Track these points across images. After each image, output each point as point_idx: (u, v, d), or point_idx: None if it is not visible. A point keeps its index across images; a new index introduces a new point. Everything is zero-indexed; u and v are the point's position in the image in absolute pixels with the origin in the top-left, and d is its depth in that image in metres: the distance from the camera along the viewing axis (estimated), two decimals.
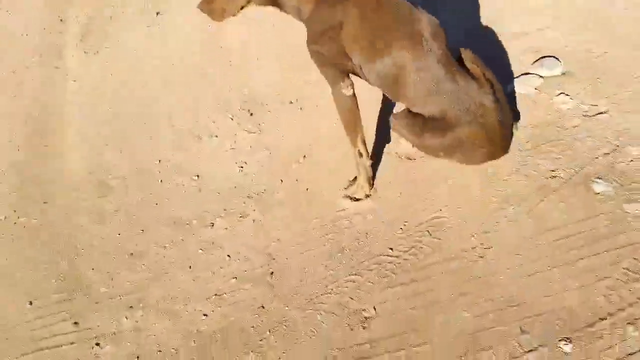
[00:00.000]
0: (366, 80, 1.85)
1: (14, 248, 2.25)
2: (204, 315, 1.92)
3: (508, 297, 1.69)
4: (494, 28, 2.33)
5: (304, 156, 2.23)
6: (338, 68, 1.80)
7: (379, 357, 1.69)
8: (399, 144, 2.10)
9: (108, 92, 2.73)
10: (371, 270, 1.88)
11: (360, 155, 1.92)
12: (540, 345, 1.60)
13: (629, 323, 1.53)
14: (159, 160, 2.41)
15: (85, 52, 2.90)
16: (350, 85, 1.83)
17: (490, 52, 2.13)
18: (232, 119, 2.44)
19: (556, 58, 2.24)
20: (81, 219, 2.29)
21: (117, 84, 2.73)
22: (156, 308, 1.97)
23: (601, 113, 2.00)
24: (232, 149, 2.36)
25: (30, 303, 2.10)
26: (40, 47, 2.95)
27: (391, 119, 1.86)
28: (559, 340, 1.59)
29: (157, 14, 2.91)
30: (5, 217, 2.37)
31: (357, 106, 1.89)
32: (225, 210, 2.17)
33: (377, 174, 2.06)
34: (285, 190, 2.14)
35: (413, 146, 1.91)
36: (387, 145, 2.14)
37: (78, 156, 2.54)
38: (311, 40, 1.80)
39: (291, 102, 2.43)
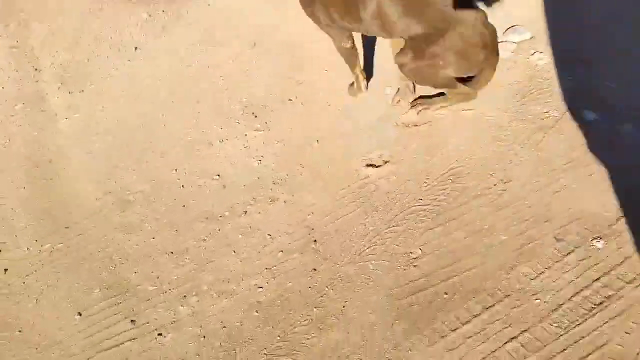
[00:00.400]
0: (365, 32, 2.09)
1: (46, 273, 2.25)
2: (260, 288, 1.99)
3: (538, 216, 1.89)
4: None
5: (317, 140, 2.40)
6: (334, 29, 2.04)
7: (434, 287, 1.83)
8: (405, 114, 2.32)
9: (104, 122, 2.78)
10: (407, 220, 2.04)
11: (357, 77, 2.32)
12: (575, 247, 1.79)
13: None
14: (175, 170, 2.50)
15: (70, 92, 2.97)
16: (348, 38, 2.19)
17: None
18: (238, 123, 2.59)
19: (524, 27, 2.56)
20: (109, 234, 2.31)
21: (112, 113, 2.80)
22: (210, 292, 2.02)
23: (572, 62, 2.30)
24: (246, 147, 2.49)
25: (80, 314, 2.09)
26: (21, 96, 2.99)
27: (395, 60, 2.07)
28: (591, 240, 1.78)
29: (136, 48, 3.05)
30: (28, 249, 2.37)
31: (355, 51, 2.30)
32: (254, 198, 2.28)
33: (390, 144, 2.25)
34: (307, 170, 2.29)
35: (418, 81, 2.16)
36: (401, 115, 2.34)
37: (89, 182, 2.56)
38: (304, 4, 2.10)
39: (290, 100, 2.61)
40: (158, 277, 2.12)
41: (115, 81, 2.89)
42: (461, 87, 2.10)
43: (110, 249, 2.28)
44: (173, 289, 2.07)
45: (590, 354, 1.59)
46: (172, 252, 2.19)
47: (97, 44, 3.09)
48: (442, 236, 1.94)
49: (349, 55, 2.31)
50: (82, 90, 2.94)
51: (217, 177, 2.41)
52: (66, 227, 2.45)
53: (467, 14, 1.85)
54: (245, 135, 2.53)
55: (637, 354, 1.56)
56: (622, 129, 2.04)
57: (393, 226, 2.02)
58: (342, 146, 2.32)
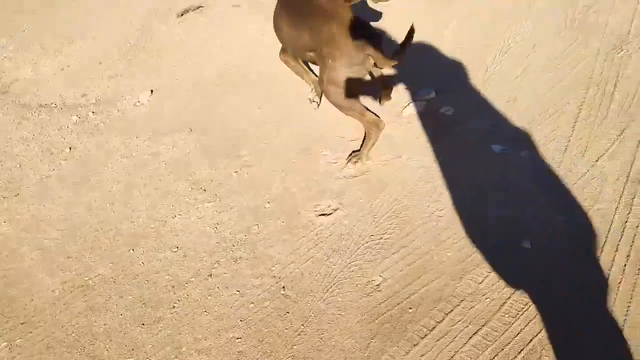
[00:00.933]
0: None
1: None
2: (238, 339, 2.09)
3: (473, 231, 2.22)
4: None
5: (268, 202, 2.64)
6: None
7: (400, 305, 2.05)
8: (344, 168, 2.65)
9: (48, 219, 2.82)
10: (365, 254, 2.28)
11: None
12: (508, 250, 2.11)
13: None
14: (132, 249, 2.60)
15: (4, 197, 3.00)
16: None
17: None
18: (188, 199, 2.77)
19: (430, 87, 3.06)
20: (73, 320, 2.30)
21: (55, 210, 2.85)
22: (190, 352, 2.09)
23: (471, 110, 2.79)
24: (200, 218, 2.66)
25: None
26: None
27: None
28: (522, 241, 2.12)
29: (70, 148, 3.21)
30: None
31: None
32: (217, 262, 2.43)
33: (336, 195, 2.56)
34: (264, 229, 2.50)
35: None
36: (341, 170, 2.65)
37: (43, 276, 2.55)
38: None
39: (236, 172, 2.86)
40: (133, 349, 2.14)
41: (52, 181, 2.97)
42: (369, 115, 2.46)
43: (77, 333, 2.27)
44: (151, 356, 2.10)
45: (541, 330, 1.85)
46: (143, 324, 2.24)
47: (28, 150, 3.18)
48: (398, 262, 2.19)
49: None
50: (18, 194, 2.96)
51: (177, 249, 2.53)
52: (22, 323, 2.40)
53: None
54: (197, 207, 2.69)
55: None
56: (521, 155, 2.47)
57: (353, 262, 2.24)
58: (292, 203, 2.56)
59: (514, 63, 3.03)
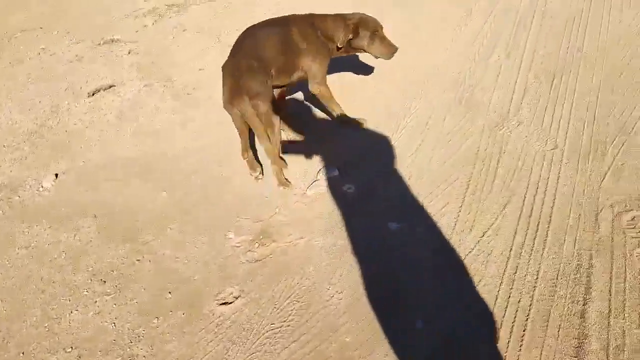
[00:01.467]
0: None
1: None
2: None
3: (370, 314, 2.26)
4: None
5: (170, 292, 2.59)
6: None
7: None
8: (251, 252, 2.66)
9: None
10: (264, 344, 2.26)
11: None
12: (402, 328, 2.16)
13: None
14: (22, 353, 2.44)
15: None
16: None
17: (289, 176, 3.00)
18: (87, 292, 2.67)
19: (334, 167, 3.18)
20: None
21: None
22: None
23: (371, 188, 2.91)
24: (98, 313, 2.56)
25: None
26: None
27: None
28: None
29: None
30: None
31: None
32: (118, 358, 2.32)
33: (239, 280, 2.56)
34: (163, 322, 2.43)
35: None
36: (245, 254, 2.65)
37: None
38: None
39: (138, 260, 2.79)
40: None
41: None
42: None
43: None
44: None
45: None
46: None
47: None
48: (297, 350, 2.17)
49: None
50: None
51: (71, 349, 2.40)
52: None
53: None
54: (96, 301, 2.59)
55: None
56: (416, 232, 2.57)
57: (253, 354, 2.21)
58: (194, 292, 2.51)
59: (410, 140, 3.21)
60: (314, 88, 3.11)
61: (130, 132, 3.82)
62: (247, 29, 3.02)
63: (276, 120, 2.83)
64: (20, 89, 4.62)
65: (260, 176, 3.10)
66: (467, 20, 4.37)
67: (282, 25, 2.97)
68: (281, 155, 3.05)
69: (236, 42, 2.97)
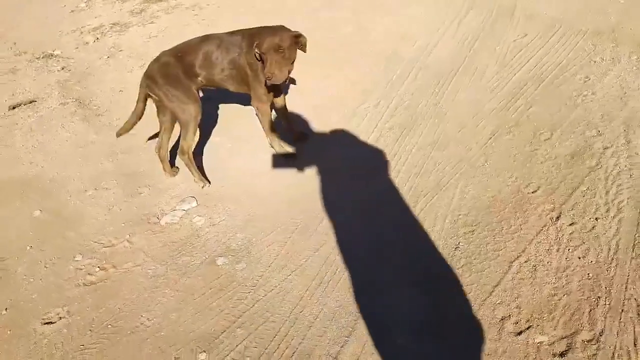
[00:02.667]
0: None
1: None
2: None
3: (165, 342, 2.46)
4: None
5: (6, 309, 2.78)
6: None
7: None
8: (90, 275, 2.86)
9: None
10: None
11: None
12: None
13: None
14: None
15: None
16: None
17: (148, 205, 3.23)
18: None
19: (193, 197, 3.40)
20: None
21: None
22: None
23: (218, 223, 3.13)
24: None
25: None
26: None
27: None
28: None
29: None
30: None
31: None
32: None
33: (70, 302, 2.75)
34: None
35: None
36: (84, 277, 2.85)
37: None
38: None
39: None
40: None
41: None
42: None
43: None
44: None
45: None
46: None
47: None
48: None
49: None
50: None
51: None
52: None
53: None
54: None
55: None
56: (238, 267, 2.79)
57: None
58: (28, 310, 2.70)
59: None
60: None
61: (30, 149, 4.04)
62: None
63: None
64: None
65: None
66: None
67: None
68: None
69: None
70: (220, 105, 4.34)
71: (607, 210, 2.65)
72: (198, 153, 3.81)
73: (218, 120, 4.21)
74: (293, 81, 4.52)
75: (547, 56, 4.17)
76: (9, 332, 2.60)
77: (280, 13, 6.30)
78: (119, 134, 3.40)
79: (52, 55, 6.26)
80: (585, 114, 3.37)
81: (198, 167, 3.52)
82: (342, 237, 2.83)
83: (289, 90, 4.33)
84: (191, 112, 3.23)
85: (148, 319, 2.58)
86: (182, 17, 6.81)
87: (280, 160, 3.54)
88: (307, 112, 4.04)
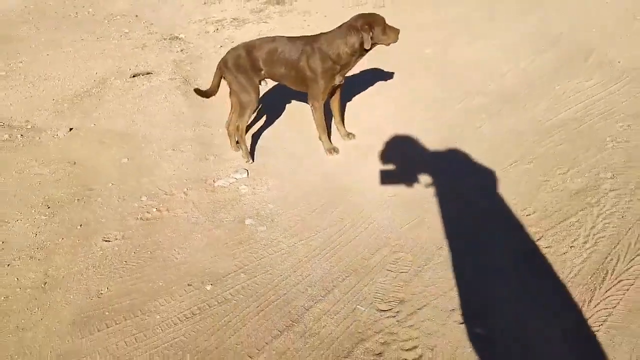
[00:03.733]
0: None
1: None
2: None
3: None
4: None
5: (81, 225, 3.55)
6: None
7: None
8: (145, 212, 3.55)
9: None
10: (116, 269, 3.13)
11: None
12: None
13: None
14: None
15: None
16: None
17: (209, 170, 3.86)
18: None
19: (246, 170, 3.99)
20: None
21: None
22: None
23: (257, 193, 3.66)
24: None
25: None
26: None
27: None
28: None
29: None
30: None
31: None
32: None
33: (122, 234, 3.43)
34: (59, 246, 3.39)
35: None
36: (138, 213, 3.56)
37: None
38: None
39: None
40: None
41: None
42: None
43: None
44: None
45: None
46: None
47: None
48: (128, 279, 3.02)
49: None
50: None
51: None
52: None
53: None
54: None
55: None
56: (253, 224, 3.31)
57: (105, 275, 3.08)
58: (93, 230, 3.43)
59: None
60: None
61: (135, 110, 4.95)
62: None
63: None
64: (84, 60, 5.99)
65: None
66: None
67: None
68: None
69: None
70: (289, 100, 4.90)
71: (585, 242, 2.75)
72: (263, 135, 4.40)
73: (284, 112, 4.77)
74: (362, 83, 4.96)
75: (601, 101, 4.17)
76: (77, 241, 3.32)
77: None
78: (196, 91, 4.08)
79: (177, 38, 7.27)
80: (608, 158, 3.41)
81: (258, 145, 4.11)
82: (347, 224, 3.22)
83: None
84: (250, 98, 3.81)
85: (179, 253, 3.15)
86: (292, 20, 7.53)
87: (323, 153, 4.00)
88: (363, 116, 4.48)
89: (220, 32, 7.39)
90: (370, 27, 3.46)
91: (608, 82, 4.46)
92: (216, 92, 3.97)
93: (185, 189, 3.74)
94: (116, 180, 3.86)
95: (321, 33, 3.76)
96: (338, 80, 3.69)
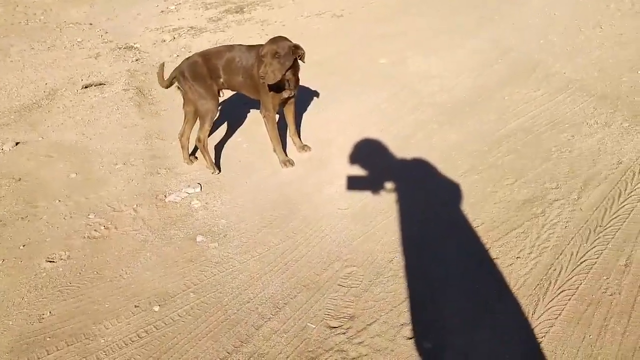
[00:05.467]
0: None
1: None
2: None
3: None
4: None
5: (23, 245, 3.40)
6: None
7: None
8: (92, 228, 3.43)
9: None
10: (54, 291, 3.01)
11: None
12: None
13: None
14: None
15: None
16: None
17: (160, 184, 3.75)
18: None
19: (199, 184, 3.92)
20: None
21: None
22: None
23: (210, 208, 3.60)
24: None
25: None
26: None
27: None
28: None
29: None
30: None
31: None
32: None
33: (68, 254, 3.30)
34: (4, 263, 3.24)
35: None
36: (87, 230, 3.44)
37: None
38: None
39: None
40: None
41: None
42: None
43: None
44: None
45: None
46: None
47: None
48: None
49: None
50: None
51: None
52: None
53: None
54: None
55: None
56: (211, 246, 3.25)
57: (35, 292, 2.95)
58: (35, 249, 3.29)
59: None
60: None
61: (86, 123, 4.79)
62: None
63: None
64: (34, 69, 5.78)
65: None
66: None
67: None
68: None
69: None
70: (250, 110, 4.86)
71: (530, 253, 2.82)
72: (219, 147, 4.34)
73: (244, 123, 4.73)
74: (316, 94, 4.96)
75: (547, 112, 4.30)
76: (20, 262, 3.19)
77: (336, 37, 6.80)
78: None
79: (132, 47, 7.13)
80: (553, 168, 3.51)
81: (219, 158, 4.03)
82: (300, 239, 3.20)
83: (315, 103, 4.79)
84: (209, 107, 3.77)
85: (126, 272, 3.06)
86: (250, 29, 7.50)
87: (279, 166, 3.97)
88: (316, 129, 4.47)
89: (177, 40, 7.30)
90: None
91: (554, 93, 4.60)
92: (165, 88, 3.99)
93: (135, 205, 3.64)
94: (63, 197, 3.73)
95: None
96: (286, 93, 3.67)
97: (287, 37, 3.53)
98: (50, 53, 6.83)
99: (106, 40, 7.37)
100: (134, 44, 7.20)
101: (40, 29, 7.89)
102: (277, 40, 3.48)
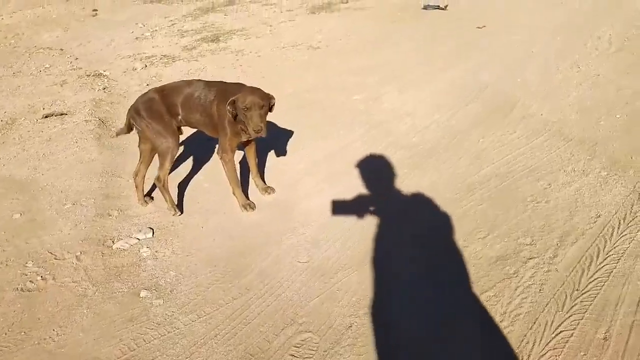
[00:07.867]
0: None
1: None
2: None
3: None
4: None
5: None
6: None
7: None
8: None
9: None
10: None
11: None
12: None
13: None
14: None
15: None
16: None
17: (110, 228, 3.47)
18: None
19: (151, 228, 3.62)
20: None
21: None
22: None
23: (160, 257, 3.31)
24: None
25: None
26: None
27: None
28: None
29: None
30: None
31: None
32: None
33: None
34: None
35: None
36: None
37: None
38: None
39: None
40: None
41: None
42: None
43: None
44: None
45: None
46: None
47: None
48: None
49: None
50: None
51: None
52: None
53: None
54: None
55: None
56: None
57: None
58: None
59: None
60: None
61: (40, 156, 4.51)
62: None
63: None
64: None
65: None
66: None
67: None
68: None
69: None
70: (215, 146, 4.59)
71: (502, 321, 2.57)
72: (182, 186, 4.06)
73: (208, 161, 4.46)
74: (285, 131, 4.74)
75: (523, 157, 4.12)
76: None
77: (311, 69, 6.62)
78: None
79: (100, 75, 6.87)
80: (528, 221, 3.29)
81: (177, 199, 3.79)
82: (253, 297, 2.91)
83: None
84: (169, 145, 3.51)
85: (57, 333, 2.75)
86: (224, 59, 7.30)
87: (239, 209, 3.70)
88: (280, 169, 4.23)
89: (149, 69, 7.06)
90: (233, 105, 3.24)
91: (531, 135, 4.44)
92: (125, 134, 3.74)
93: (79, 253, 3.35)
94: (2, 241, 3.42)
95: (237, 83, 3.55)
96: (245, 136, 3.43)
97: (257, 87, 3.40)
98: (14, 79, 6.55)
99: (75, 67, 7.12)
100: (104, 71, 6.95)
101: (9, 54, 7.61)
102: (255, 91, 3.33)
